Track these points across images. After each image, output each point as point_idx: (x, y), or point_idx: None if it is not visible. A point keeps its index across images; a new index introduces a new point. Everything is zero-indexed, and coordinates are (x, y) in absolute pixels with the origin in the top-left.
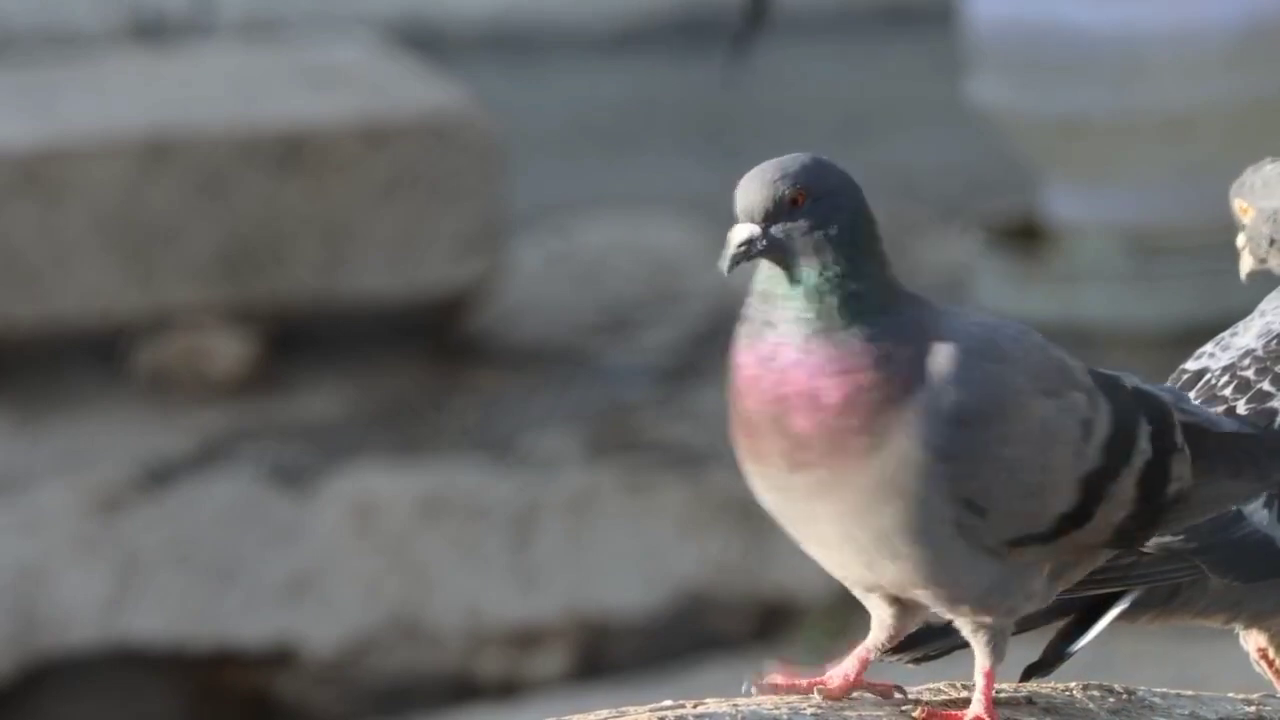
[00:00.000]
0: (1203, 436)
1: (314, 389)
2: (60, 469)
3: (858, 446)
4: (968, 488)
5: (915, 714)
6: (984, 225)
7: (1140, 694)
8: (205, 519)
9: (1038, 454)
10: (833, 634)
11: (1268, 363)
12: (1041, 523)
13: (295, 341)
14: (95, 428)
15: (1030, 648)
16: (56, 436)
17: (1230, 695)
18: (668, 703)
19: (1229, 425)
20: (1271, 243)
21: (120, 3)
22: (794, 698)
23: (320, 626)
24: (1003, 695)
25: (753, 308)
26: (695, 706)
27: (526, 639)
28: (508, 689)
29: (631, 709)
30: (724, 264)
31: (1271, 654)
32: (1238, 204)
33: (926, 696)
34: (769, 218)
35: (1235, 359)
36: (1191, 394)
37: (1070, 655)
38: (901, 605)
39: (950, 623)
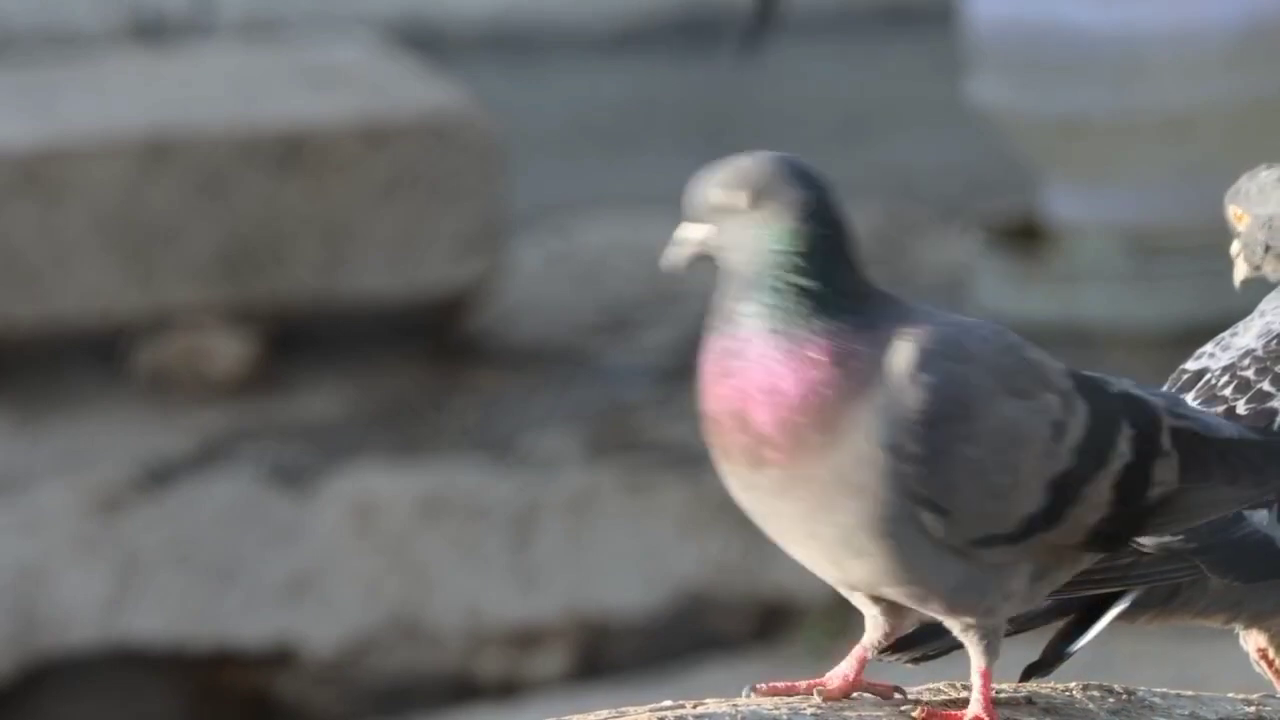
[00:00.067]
0: (1197, 442)
1: (314, 389)
2: (60, 469)
3: (815, 443)
4: (927, 486)
5: (915, 714)
6: (984, 225)
7: (1140, 694)
8: (205, 519)
9: (1001, 454)
10: (833, 634)
11: (1268, 363)
12: (1008, 523)
13: (295, 341)
14: (95, 428)
15: (1030, 648)
16: (56, 436)
17: (1230, 695)
18: (668, 703)
19: (1228, 431)
20: (1266, 249)
21: (120, 3)
22: (794, 698)
23: (320, 626)
24: (1002, 695)
25: (720, 306)
26: (695, 706)
27: (526, 639)
28: (508, 689)
29: (631, 709)
30: (665, 262)
31: (1271, 654)
32: (1232, 210)
33: (926, 696)
34: (718, 216)
35: (1235, 359)
36: (1191, 394)
37: (1070, 655)
38: (887, 602)
39: None
